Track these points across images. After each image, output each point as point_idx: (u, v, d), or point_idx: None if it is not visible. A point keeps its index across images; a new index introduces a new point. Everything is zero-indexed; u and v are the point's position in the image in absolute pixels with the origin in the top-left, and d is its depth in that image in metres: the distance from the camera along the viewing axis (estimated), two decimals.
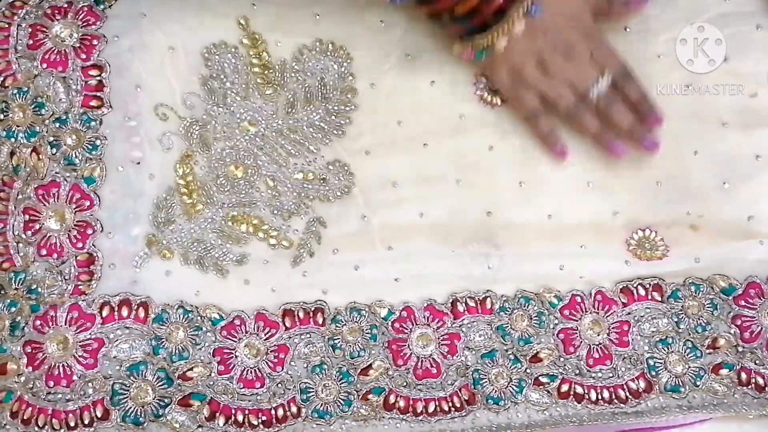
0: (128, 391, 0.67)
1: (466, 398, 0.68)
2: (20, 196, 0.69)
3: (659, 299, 0.70)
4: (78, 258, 0.68)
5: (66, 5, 0.71)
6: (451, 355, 0.69)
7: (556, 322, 0.69)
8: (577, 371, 0.69)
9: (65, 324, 0.67)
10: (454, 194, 0.71)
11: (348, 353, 0.69)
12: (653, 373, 0.68)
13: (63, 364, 0.67)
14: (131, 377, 0.67)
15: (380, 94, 0.72)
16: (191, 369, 0.68)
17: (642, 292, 0.70)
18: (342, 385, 0.68)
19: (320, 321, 0.69)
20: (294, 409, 0.67)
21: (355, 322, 0.69)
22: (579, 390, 0.68)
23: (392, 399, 0.68)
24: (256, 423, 0.67)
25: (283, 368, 0.68)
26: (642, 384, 0.68)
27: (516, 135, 0.72)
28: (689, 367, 0.68)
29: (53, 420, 0.66)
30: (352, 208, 0.71)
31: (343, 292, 0.70)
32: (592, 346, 0.69)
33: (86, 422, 0.66)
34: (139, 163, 0.70)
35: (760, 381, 0.68)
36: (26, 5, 0.71)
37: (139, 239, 0.70)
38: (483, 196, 0.71)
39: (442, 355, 0.69)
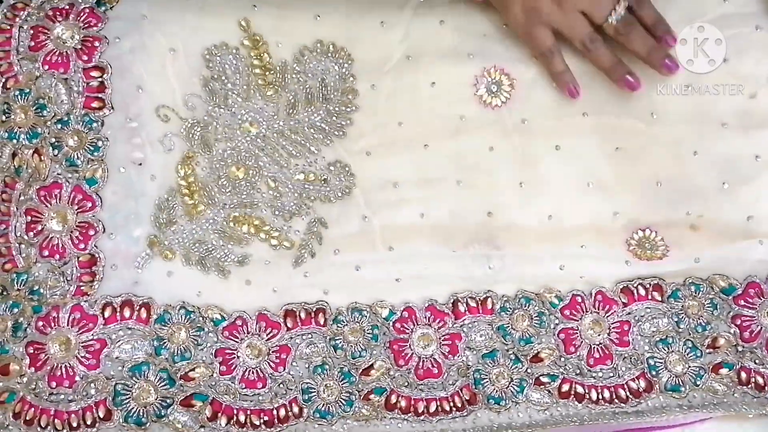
0: (130, 391, 0.67)
1: (468, 398, 0.68)
2: (22, 198, 0.69)
3: (659, 299, 0.70)
4: (80, 259, 0.68)
5: (67, 7, 0.71)
6: (452, 355, 0.69)
7: (557, 322, 0.70)
8: (578, 371, 0.69)
9: (67, 325, 0.67)
10: (455, 195, 0.71)
11: (349, 353, 0.69)
12: (653, 373, 0.69)
13: (65, 365, 0.67)
14: (133, 378, 0.67)
15: (381, 95, 0.73)
16: (193, 369, 0.68)
17: (642, 292, 0.70)
18: (343, 385, 0.68)
19: (322, 321, 0.69)
20: (296, 410, 0.67)
21: (356, 323, 0.69)
22: (580, 390, 0.68)
23: (394, 399, 0.68)
24: (258, 423, 0.67)
25: (284, 368, 0.68)
26: (642, 383, 0.69)
27: (516, 135, 0.72)
28: (689, 366, 0.69)
29: (56, 420, 0.66)
30: (353, 209, 0.71)
31: (344, 292, 0.70)
32: (593, 346, 0.69)
33: (89, 423, 0.66)
34: (140, 164, 0.70)
35: (760, 380, 0.68)
36: (28, 7, 0.71)
37: (140, 240, 0.70)
38: (483, 196, 0.71)
39: (444, 355, 0.69)
